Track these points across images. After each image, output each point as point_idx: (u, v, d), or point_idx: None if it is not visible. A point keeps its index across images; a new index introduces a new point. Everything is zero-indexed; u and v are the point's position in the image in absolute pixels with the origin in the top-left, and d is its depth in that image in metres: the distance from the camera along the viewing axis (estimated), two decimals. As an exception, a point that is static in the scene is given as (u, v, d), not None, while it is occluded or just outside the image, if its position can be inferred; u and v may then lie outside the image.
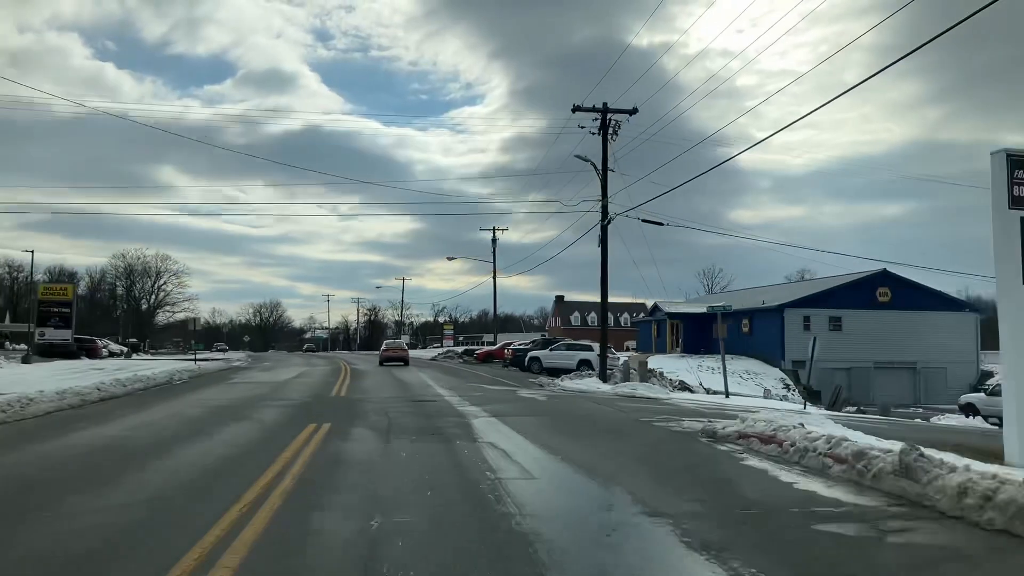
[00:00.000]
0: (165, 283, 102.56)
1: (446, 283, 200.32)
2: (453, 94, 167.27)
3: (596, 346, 31.58)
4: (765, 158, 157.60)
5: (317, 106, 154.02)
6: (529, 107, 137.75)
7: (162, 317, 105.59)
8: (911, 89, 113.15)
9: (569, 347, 38.29)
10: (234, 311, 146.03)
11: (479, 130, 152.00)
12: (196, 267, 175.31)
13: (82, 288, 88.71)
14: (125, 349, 57.98)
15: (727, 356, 25.06)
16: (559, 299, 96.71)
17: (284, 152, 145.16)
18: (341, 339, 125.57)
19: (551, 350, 37.60)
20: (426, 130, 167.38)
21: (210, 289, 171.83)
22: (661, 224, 25.77)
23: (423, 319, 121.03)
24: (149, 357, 54.97)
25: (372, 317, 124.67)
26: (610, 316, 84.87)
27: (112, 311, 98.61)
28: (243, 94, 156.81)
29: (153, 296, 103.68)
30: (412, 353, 53.95)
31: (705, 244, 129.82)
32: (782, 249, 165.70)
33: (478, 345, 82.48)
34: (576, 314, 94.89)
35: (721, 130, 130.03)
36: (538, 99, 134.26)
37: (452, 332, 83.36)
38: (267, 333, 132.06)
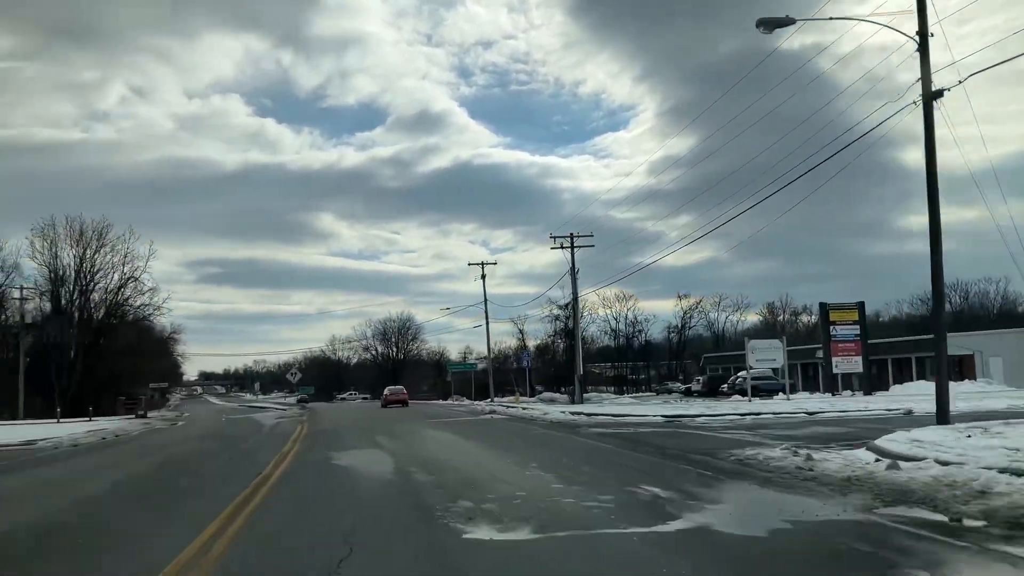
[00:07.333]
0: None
1: (603, 309, 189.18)
2: (595, 122, 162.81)
3: None
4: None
5: (467, 141, 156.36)
6: (676, 126, 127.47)
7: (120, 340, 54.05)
8: None
9: None
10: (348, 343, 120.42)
11: (625, 154, 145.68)
12: (358, 309, 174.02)
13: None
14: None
15: None
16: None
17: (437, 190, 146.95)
18: (515, 367, 73.89)
19: None
20: (569, 157, 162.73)
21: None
22: None
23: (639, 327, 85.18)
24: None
25: (567, 324, 65.28)
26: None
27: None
28: (395, 137, 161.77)
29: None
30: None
31: (868, 254, 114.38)
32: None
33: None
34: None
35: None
36: (685, 117, 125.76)
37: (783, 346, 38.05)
38: (396, 367, 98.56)
